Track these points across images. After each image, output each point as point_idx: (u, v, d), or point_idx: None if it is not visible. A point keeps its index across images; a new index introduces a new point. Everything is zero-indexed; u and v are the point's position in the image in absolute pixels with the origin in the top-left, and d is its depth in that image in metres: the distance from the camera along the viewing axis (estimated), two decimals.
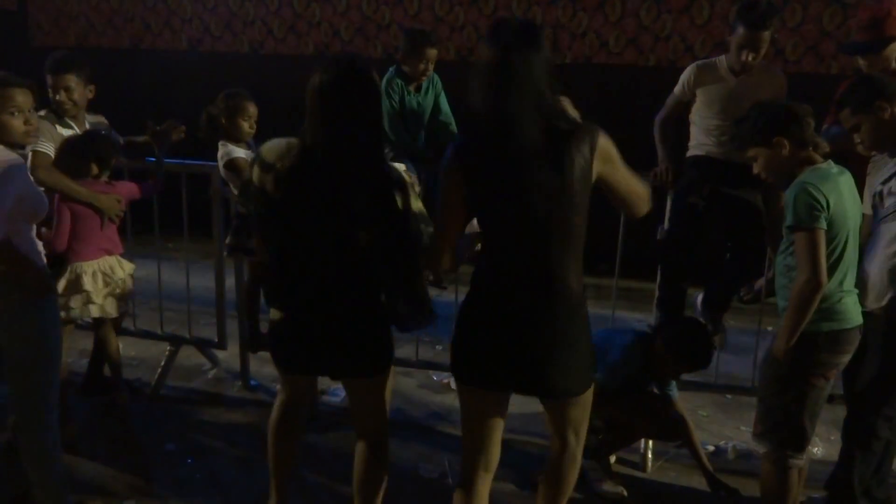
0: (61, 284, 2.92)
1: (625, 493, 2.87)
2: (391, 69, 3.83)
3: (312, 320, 2.06)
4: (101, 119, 3.36)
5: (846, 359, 2.32)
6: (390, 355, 2.19)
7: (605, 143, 1.88)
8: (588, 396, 2.08)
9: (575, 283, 1.92)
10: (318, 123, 1.96)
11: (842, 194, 2.21)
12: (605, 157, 1.87)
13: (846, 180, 2.28)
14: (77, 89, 3.10)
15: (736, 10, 2.99)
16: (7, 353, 2.29)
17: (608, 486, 2.89)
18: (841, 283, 2.26)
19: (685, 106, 3.20)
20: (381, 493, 2.29)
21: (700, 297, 3.12)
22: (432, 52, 3.73)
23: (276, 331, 2.15)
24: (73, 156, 2.99)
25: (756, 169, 2.37)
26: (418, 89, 3.84)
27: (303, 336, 2.09)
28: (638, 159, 2.85)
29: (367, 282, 2.06)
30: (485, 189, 1.90)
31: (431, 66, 3.77)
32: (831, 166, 2.28)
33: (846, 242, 2.24)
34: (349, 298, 2.04)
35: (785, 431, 2.34)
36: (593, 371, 2.08)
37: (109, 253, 3.07)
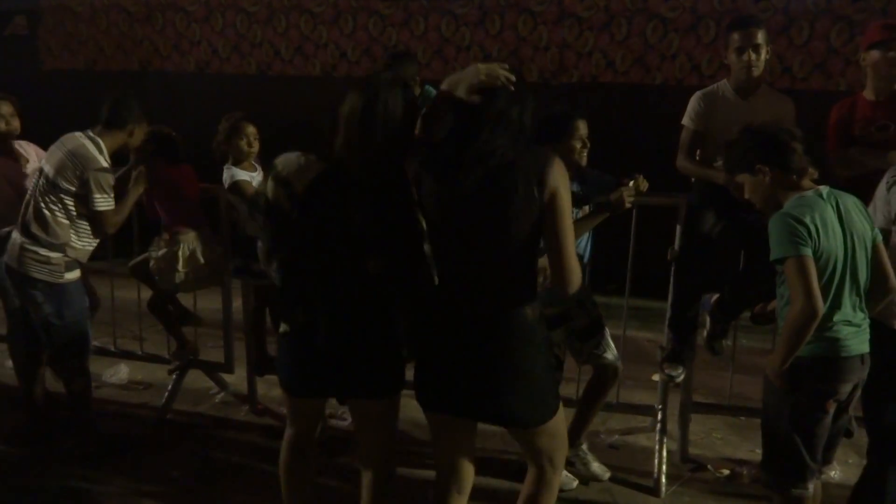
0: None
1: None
2: None
3: (321, 339, 1.98)
4: None
5: (845, 388, 2.22)
6: (401, 377, 2.09)
7: (554, 178, 1.84)
8: (554, 425, 2.03)
9: (529, 311, 1.90)
10: (350, 143, 1.90)
11: (828, 222, 2.12)
12: (551, 193, 1.84)
13: (839, 205, 2.19)
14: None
15: (725, 28, 3.10)
16: None
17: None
18: (832, 313, 2.17)
19: (701, 136, 3.14)
20: None
21: (713, 298, 3.08)
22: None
23: (283, 349, 2.08)
24: None
25: (745, 195, 2.31)
26: None
27: (310, 355, 2.01)
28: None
29: (379, 302, 1.99)
30: (433, 213, 1.91)
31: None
32: (820, 193, 2.19)
33: (835, 271, 2.15)
34: (359, 317, 1.98)
35: (784, 460, 2.27)
36: (555, 398, 2.04)
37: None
